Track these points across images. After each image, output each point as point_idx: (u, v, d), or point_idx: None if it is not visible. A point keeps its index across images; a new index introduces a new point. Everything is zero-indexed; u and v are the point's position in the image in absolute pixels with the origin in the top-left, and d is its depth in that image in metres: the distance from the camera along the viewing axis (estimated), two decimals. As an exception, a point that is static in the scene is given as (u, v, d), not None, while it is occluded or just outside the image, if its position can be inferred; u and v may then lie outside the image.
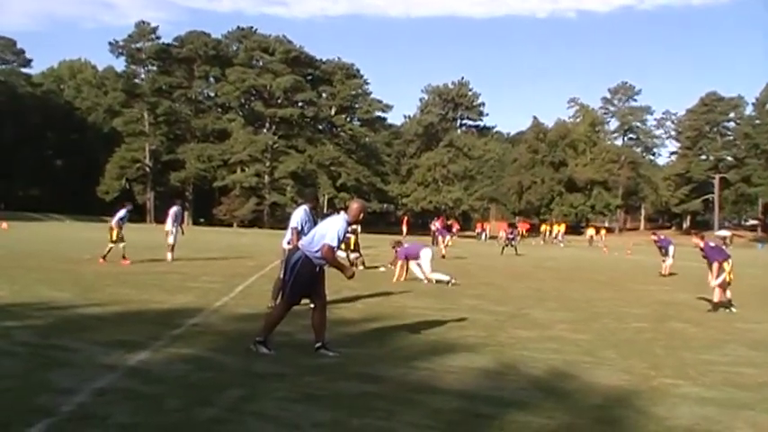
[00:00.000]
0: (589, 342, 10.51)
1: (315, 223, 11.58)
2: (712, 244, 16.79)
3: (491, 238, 75.56)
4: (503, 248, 40.35)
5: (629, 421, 6.39)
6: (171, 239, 22.33)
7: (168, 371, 7.38)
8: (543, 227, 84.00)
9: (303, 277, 8.65)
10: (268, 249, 31.33)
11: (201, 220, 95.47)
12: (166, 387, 6.71)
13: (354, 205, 9.25)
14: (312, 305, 9.02)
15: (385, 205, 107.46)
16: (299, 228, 12.12)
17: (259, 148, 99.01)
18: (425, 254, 19.28)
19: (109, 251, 20.79)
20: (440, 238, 38.16)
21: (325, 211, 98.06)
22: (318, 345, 8.70)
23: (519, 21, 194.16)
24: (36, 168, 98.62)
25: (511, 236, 42.41)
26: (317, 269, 8.79)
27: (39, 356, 7.79)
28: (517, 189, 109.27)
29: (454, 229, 57.79)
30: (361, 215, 9.21)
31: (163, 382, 6.92)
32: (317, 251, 8.63)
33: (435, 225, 47.90)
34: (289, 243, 12.12)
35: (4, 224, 48.16)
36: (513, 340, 10.31)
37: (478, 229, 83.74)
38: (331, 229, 8.67)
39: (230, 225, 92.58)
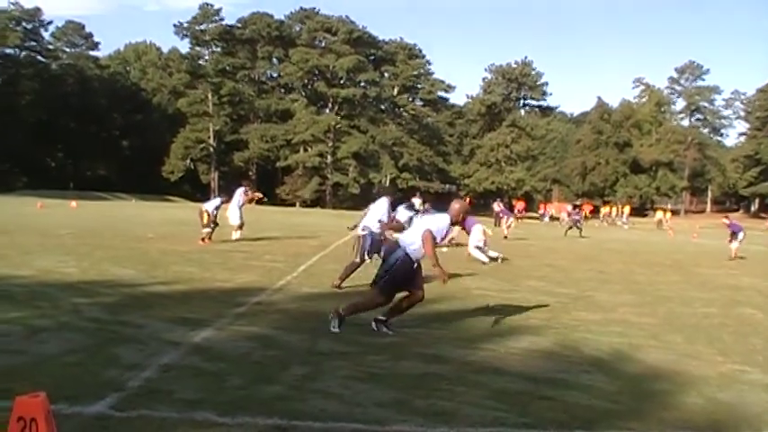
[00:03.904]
0: (654, 326, 10.35)
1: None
2: None
3: (553, 219, 75.00)
4: (566, 230, 39.88)
5: (696, 408, 6.28)
6: (237, 220, 22.51)
7: (232, 348, 7.46)
8: (605, 208, 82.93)
9: (400, 275, 8.70)
10: (330, 229, 31.49)
11: (265, 199, 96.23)
12: (230, 364, 6.78)
13: (456, 205, 9.20)
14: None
15: (447, 186, 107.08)
16: (384, 219, 12.90)
17: (322, 129, 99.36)
18: (477, 229, 19.15)
19: (209, 234, 21.15)
20: (503, 218, 37.55)
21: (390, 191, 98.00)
22: (382, 318, 8.77)
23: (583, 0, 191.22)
24: (103, 149, 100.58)
25: (576, 217, 41.75)
26: (415, 265, 8.81)
27: (107, 332, 7.94)
28: (581, 170, 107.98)
29: (516, 210, 57.22)
30: (461, 215, 9.16)
31: (226, 359, 6.99)
32: (415, 248, 8.66)
33: (499, 206, 47.63)
34: (364, 229, 13.04)
35: (73, 203, 49.23)
36: (577, 323, 10.20)
37: (541, 211, 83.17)
38: (432, 226, 8.72)
39: (293, 205, 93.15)
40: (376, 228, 13.03)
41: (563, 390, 6.48)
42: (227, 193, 23.53)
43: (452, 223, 9.10)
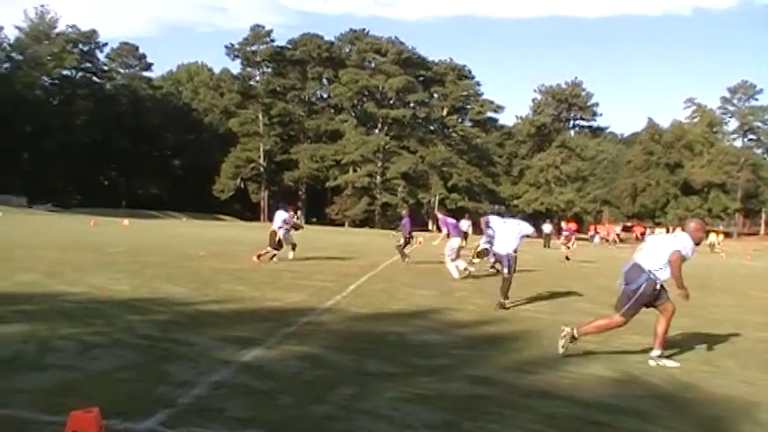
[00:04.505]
0: (707, 350, 10.17)
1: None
2: None
3: (604, 240, 74.45)
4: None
5: (751, 434, 6.16)
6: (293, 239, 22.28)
7: (282, 367, 7.48)
8: (659, 230, 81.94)
9: (645, 297, 8.95)
10: (379, 249, 31.52)
11: (314, 219, 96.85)
12: (280, 383, 6.80)
13: (693, 225, 9.33)
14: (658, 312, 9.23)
15: (496, 206, 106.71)
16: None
17: (371, 149, 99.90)
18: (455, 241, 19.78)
19: (273, 254, 21.15)
20: (568, 238, 36.22)
21: (437, 211, 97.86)
22: (656, 353, 8.97)
23: (632, 19, 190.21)
24: (155, 168, 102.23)
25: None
26: (659, 286, 8.99)
27: (158, 349, 8.01)
28: (631, 191, 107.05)
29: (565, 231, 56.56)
30: (701, 234, 9.30)
31: (276, 378, 7.01)
32: (660, 270, 8.95)
33: (548, 227, 47.25)
34: (489, 243, 15.37)
35: (126, 221, 49.97)
36: (629, 346, 10.06)
37: (591, 232, 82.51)
38: (679, 246, 8.96)
39: (342, 224, 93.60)
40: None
41: (615, 415, 6.39)
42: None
43: (697, 243, 9.20)
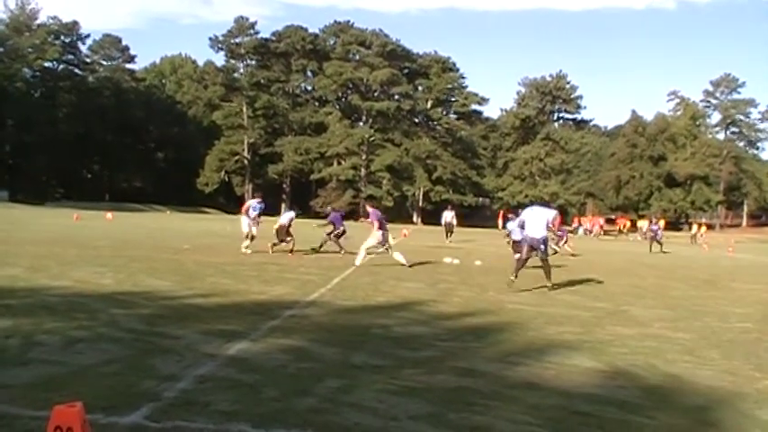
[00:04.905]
0: (690, 341, 10.21)
1: None
2: None
3: (588, 232, 74.81)
4: (651, 246, 38.52)
5: (733, 424, 6.18)
6: (247, 228, 22.44)
7: (267, 360, 7.47)
8: (641, 222, 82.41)
9: None
10: (363, 242, 31.45)
11: (299, 212, 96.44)
12: (265, 376, 6.80)
13: None
14: None
15: (480, 199, 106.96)
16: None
17: (356, 142, 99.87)
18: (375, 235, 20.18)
19: (291, 247, 22.14)
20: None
21: (422, 203, 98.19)
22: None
23: (616, 12, 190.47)
24: (139, 161, 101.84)
25: (655, 227, 40.04)
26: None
27: (143, 343, 7.99)
28: (615, 184, 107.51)
29: (559, 231, 56.40)
30: None
31: (262, 371, 7.00)
32: None
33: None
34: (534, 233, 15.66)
35: (109, 215, 49.72)
36: (612, 337, 10.10)
37: (575, 224, 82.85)
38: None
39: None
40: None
41: (598, 406, 6.41)
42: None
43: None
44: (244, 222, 22.59)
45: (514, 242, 20.81)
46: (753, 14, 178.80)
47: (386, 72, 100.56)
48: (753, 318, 13.31)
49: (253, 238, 22.21)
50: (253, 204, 23.20)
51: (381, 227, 20.17)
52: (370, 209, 21.02)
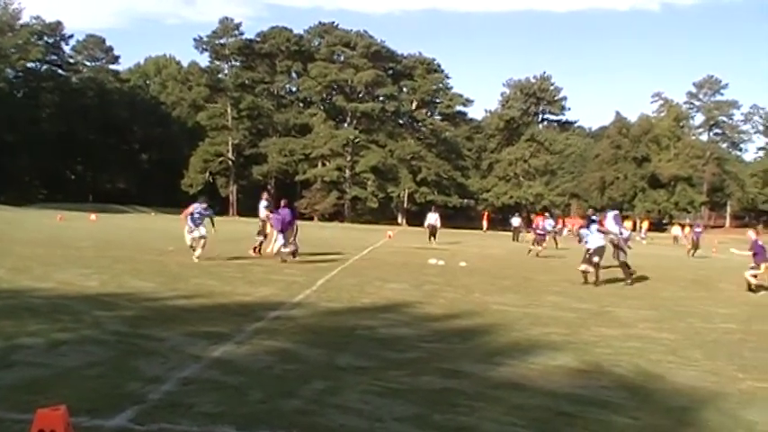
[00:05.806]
0: (674, 342, 10.27)
1: None
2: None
3: (571, 233, 75.03)
4: (691, 252, 38.32)
5: (716, 424, 6.22)
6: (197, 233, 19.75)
7: (252, 362, 7.46)
8: (627, 222, 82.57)
9: None
10: (349, 243, 31.50)
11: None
12: (250, 378, 6.79)
13: None
14: None
15: (465, 200, 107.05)
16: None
17: (340, 143, 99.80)
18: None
19: (260, 243, 22.31)
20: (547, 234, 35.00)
21: (407, 205, 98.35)
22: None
23: (600, 14, 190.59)
24: (123, 161, 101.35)
25: (698, 230, 40.15)
26: None
27: (127, 345, 7.97)
28: (599, 185, 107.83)
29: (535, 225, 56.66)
30: None
31: (246, 373, 6.99)
32: None
33: (517, 221, 47.53)
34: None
35: (93, 216, 49.53)
36: (597, 338, 10.14)
37: (559, 225, 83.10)
38: None
39: (311, 219, 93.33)
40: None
41: (582, 406, 6.44)
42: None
43: None
44: (186, 232, 20.05)
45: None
46: (736, 17, 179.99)
47: (370, 73, 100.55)
48: (737, 318, 13.39)
49: (204, 238, 19.56)
50: (197, 209, 20.20)
51: (276, 226, 20.77)
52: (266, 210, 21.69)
